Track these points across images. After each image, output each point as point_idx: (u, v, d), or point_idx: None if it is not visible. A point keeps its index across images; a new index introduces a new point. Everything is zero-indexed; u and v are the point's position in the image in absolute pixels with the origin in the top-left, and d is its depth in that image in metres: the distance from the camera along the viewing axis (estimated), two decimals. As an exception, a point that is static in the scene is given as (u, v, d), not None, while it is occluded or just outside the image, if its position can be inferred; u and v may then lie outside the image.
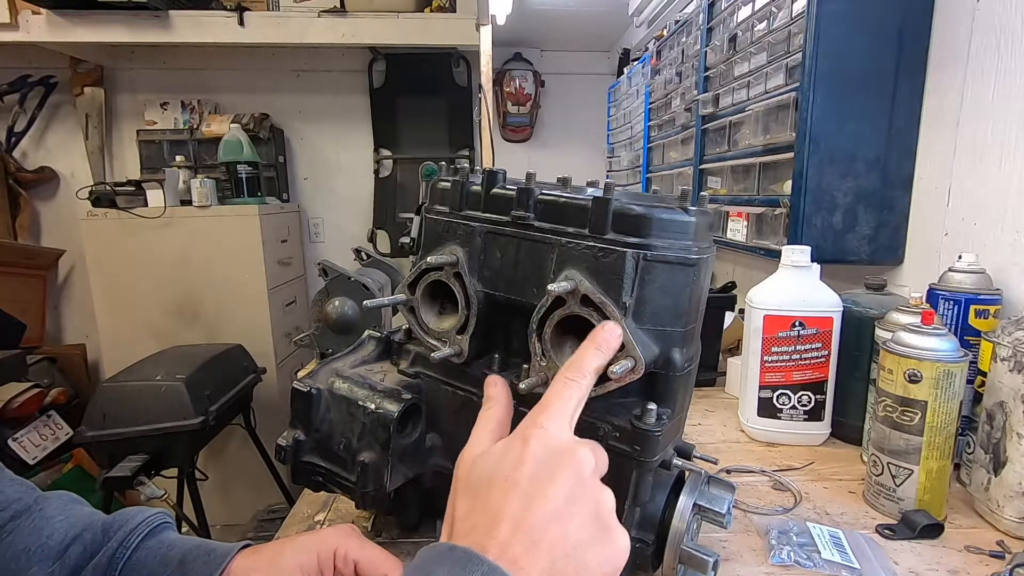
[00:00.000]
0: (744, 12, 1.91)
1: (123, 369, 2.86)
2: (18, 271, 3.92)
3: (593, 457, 0.59)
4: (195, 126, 4.20)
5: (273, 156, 4.29)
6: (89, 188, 3.54)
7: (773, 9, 1.72)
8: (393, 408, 0.92)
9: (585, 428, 0.80)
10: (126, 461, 2.45)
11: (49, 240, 4.34)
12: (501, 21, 3.60)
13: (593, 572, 0.54)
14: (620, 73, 3.93)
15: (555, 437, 0.59)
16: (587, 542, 0.55)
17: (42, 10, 3.46)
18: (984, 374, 1.15)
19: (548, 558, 0.52)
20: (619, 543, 0.57)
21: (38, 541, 0.71)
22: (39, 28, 3.51)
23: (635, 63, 3.41)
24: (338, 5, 3.64)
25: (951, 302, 1.25)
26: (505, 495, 0.55)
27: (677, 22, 2.66)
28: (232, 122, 3.93)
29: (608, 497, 0.58)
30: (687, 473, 0.87)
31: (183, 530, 2.65)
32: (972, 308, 1.24)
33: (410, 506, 1.03)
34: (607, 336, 0.70)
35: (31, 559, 0.69)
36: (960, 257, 1.28)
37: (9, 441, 2.96)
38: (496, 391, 0.71)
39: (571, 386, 0.64)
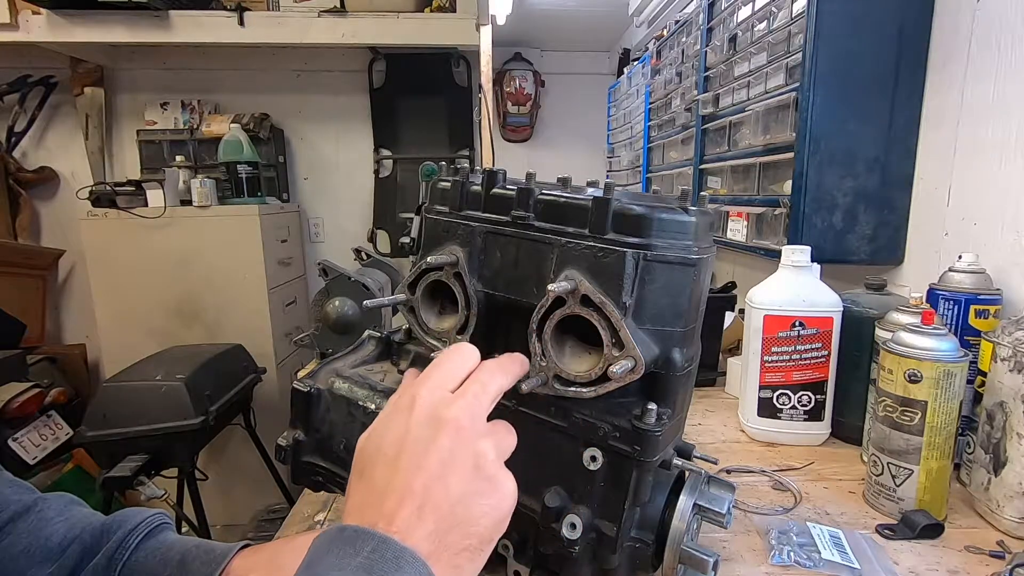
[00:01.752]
0: (744, 12, 1.91)
1: (123, 369, 2.86)
2: (18, 271, 3.92)
3: (468, 414, 0.60)
4: (195, 126, 4.20)
5: (273, 156, 4.29)
6: (89, 188, 3.54)
7: (773, 9, 1.72)
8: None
9: (585, 428, 0.80)
10: (126, 461, 2.45)
11: (49, 240, 4.33)
12: (501, 21, 3.60)
13: (480, 522, 0.56)
14: (620, 73, 3.93)
15: (434, 406, 0.60)
16: (470, 494, 0.57)
17: (42, 10, 3.46)
18: (984, 374, 1.15)
19: (433, 518, 0.54)
20: (503, 489, 0.59)
21: (37, 542, 0.71)
22: (39, 28, 3.51)
23: (635, 63, 3.41)
24: (338, 5, 3.64)
25: (951, 302, 1.25)
26: (388, 469, 0.57)
27: (677, 22, 2.66)
28: (232, 122, 3.93)
29: (487, 446, 0.60)
30: (687, 473, 0.87)
31: (183, 530, 2.65)
32: (972, 308, 1.24)
33: None
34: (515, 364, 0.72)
35: (30, 560, 0.69)
36: (960, 257, 1.29)
37: (9, 441, 2.96)
38: (409, 378, 0.72)
39: (457, 359, 0.66)
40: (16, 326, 3.70)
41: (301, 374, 1.04)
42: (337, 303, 2.18)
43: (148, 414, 2.55)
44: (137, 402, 2.57)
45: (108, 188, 3.54)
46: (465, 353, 0.66)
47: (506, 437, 0.63)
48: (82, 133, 4.22)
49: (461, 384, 0.63)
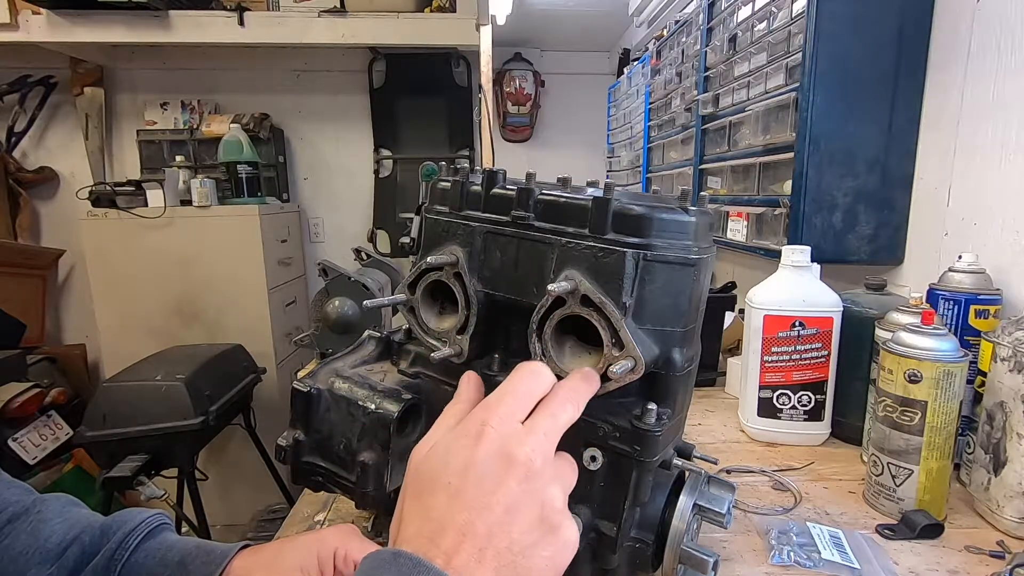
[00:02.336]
0: (744, 12, 1.91)
1: (123, 369, 2.86)
2: (18, 271, 3.92)
3: (541, 454, 0.58)
4: (195, 126, 4.20)
5: (273, 156, 4.29)
6: (89, 188, 3.55)
7: (773, 9, 1.72)
8: (393, 408, 0.92)
9: (585, 428, 0.80)
10: (126, 461, 2.45)
11: (49, 240, 4.34)
12: (501, 21, 3.61)
13: (539, 570, 0.55)
14: (620, 73, 3.93)
15: (505, 440, 0.58)
16: (533, 545, 0.55)
17: (42, 10, 3.46)
18: (984, 374, 1.15)
19: (493, 566, 0.53)
20: (565, 538, 0.57)
21: (36, 543, 0.71)
22: (39, 28, 3.51)
23: (635, 63, 3.41)
24: (338, 5, 3.65)
25: (951, 302, 1.25)
26: (450, 501, 0.55)
27: (677, 22, 2.66)
28: (232, 122, 3.93)
29: (556, 493, 0.58)
30: (687, 473, 0.87)
31: (183, 530, 2.64)
32: (972, 308, 1.24)
33: None
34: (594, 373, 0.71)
35: (29, 561, 0.69)
36: (960, 257, 1.29)
37: (9, 441, 2.96)
38: (466, 388, 0.71)
39: (532, 381, 0.64)
40: (16, 326, 3.70)
41: (301, 374, 1.04)
42: (337, 303, 2.18)
43: (148, 414, 2.55)
44: (137, 402, 2.57)
45: (108, 188, 3.54)
46: (539, 378, 0.64)
47: (571, 475, 0.62)
48: (82, 133, 4.22)
49: (531, 413, 0.61)
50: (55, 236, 4.35)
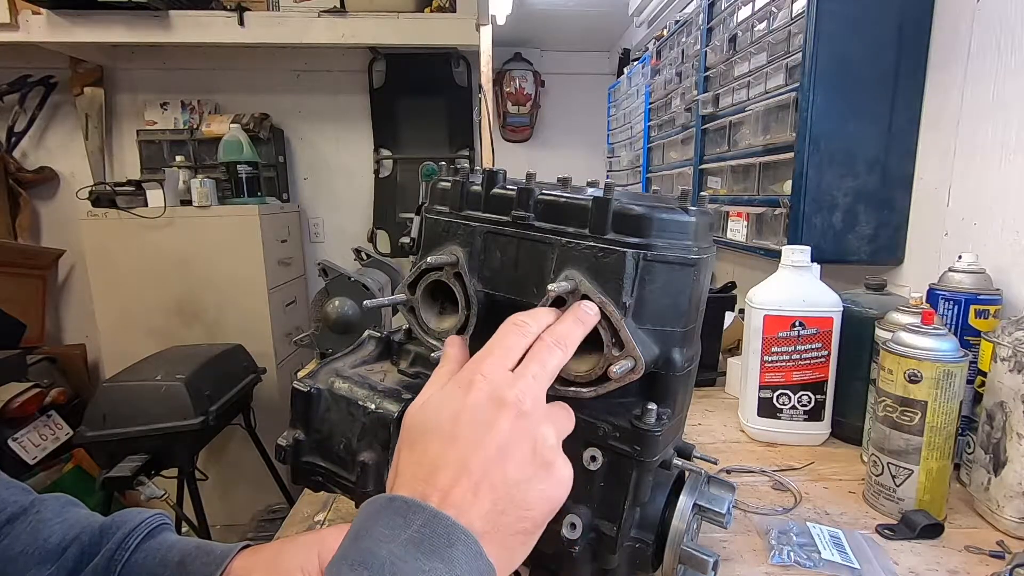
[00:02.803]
0: (744, 12, 1.91)
1: (123, 369, 2.86)
2: (18, 271, 3.93)
3: (530, 396, 0.61)
4: (195, 126, 4.20)
5: (273, 156, 4.29)
6: (89, 188, 3.55)
7: (773, 9, 1.72)
8: (393, 408, 0.92)
9: (585, 428, 0.80)
10: (126, 461, 2.45)
11: (49, 240, 4.34)
12: (501, 21, 3.60)
13: (535, 506, 0.57)
14: (620, 73, 3.93)
15: (495, 386, 0.60)
16: (527, 479, 0.58)
17: (42, 10, 3.46)
18: (984, 374, 1.15)
19: (489, 499, 0.55)
20: (558, 475, 0.60)
21: (35, 544, 0.71)
22: (39, 28, 3.51)
23: (635, 63, 3.41)
24: (338, 5, 3.65)
25: (951, 302, 1.25)
26: (444, 444, 0.58)
27: (677, 22, 2.66)
28: (232, 122, 3.93)
29: (548, 432, 0.61)
30: (687, 473, 0.87)
31: (183, 530, 2.64)
32: (972, 308, 1.24)
33: None
34: (586, 312, 0.72)
35: (28, 562, 0.69)
36: (960, 257, 1.29)
37: (9, 441, 2.96)
38: (453, 350, 0.74)
39: (517, 334, 0.67)
40: (16, 326, 3.70)
41: (301, 374, 1.04)
42: (337, 303, 2.18)
43: (148, 414, 2.55)
44: (137, 402, 2.57)
45: (108, 188, 3.54)
46: (525, 328, 0.67)
47: (565, 420, 0.65)
48: (82, 133, 4.22)
49: (521, 360, 0.64)
50: (55, 236, 4.35)
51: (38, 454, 3.12)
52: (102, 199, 3.52)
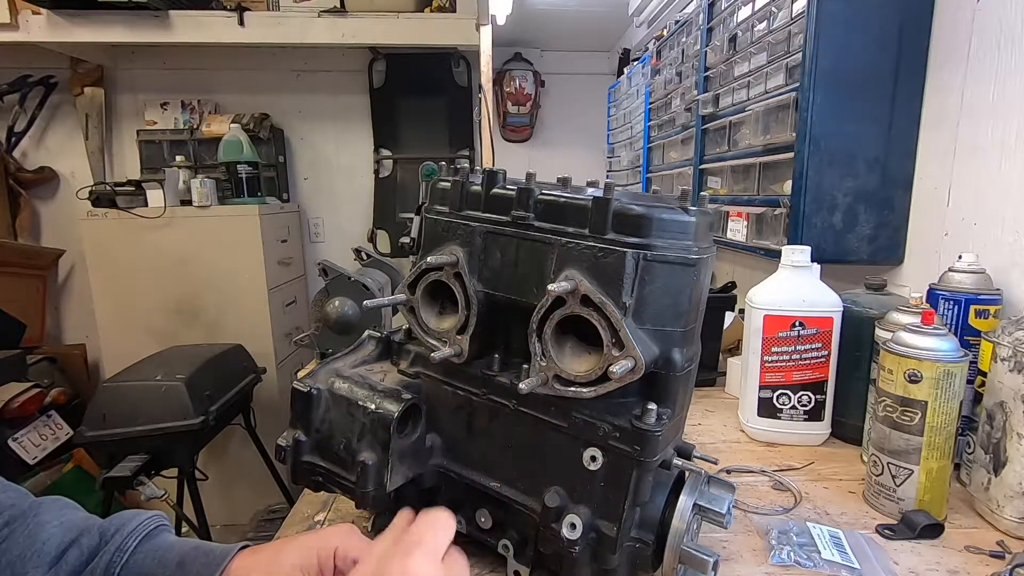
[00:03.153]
0: (744, 12, 1.91)
1: (123, 369, 2.86)
2: (18, 271, 3.93)
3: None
4: (195, 126, 4.20)
5: (273, 156, 4.29)
6: (89, 188, 3.54)
7: (773, 9, 1.72)
8: (393, 408, 0.92)
9: (585, 428, 0.81)
10: (126, 461, 2.45)
11: (49, 240, 4.34)
12: (501, 21, 3.60)
13: None
14: (620, 73, 3.93)
15: None
16: None
17: (42, 10, 3.46)
18: (984, 374, 1.15)
19: None
20: None
21: (33, 547, 0.71)
22: (39, 28, 3.51)
23: (635, 63, 3.41)
24: (338, 5, 3.64)
25: (951, 302, 1.25)
26: None
27: (677, 22, 2.66)
28: (232, 122, 3.93)
29: None
30: (687, 473, 0.87)
31: (183, 530, 2.65)
32: (972, 308, 1.24)
33: (410, 506, 1.03)
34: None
35: (27, 565, 0.69)
36: (960, 257, 1.28)
37: (9, 441, 2.96)
38: (400, 521, 0.74)
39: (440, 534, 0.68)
40: (16, 326, 3.70)
41: (301, 374, 1.04)
42: (337, 303, 2.18)
43: (148, 414, 2.55)
44: (137, 402, 2.57)
45: (108, 188, 3.54)
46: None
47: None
48: (82, 133, 4.22)
49: None
50: (55, 236, 4.35)
51: (38, 454, 3.12)
52: (102, 199, 3.52)
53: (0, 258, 3.81)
